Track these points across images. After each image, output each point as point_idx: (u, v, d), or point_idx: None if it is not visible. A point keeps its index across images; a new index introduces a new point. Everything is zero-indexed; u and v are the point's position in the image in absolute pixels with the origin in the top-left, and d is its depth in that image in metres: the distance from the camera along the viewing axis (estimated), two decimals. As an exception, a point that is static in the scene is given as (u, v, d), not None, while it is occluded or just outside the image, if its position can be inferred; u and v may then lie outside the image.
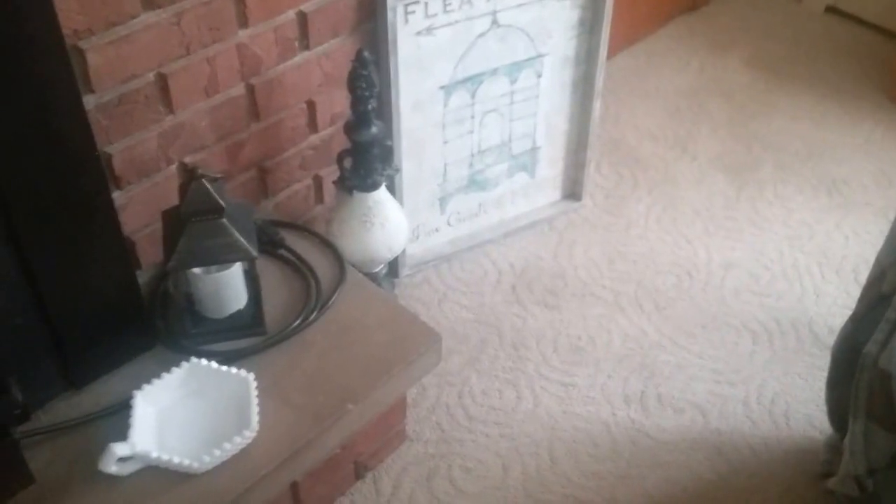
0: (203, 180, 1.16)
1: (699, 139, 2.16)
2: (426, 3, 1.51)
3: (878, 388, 1.16)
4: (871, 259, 1.37)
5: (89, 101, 1.17)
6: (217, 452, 1.12)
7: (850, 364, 1.26)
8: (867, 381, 1.18)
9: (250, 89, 1.38)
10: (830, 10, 2.59)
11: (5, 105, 0.97)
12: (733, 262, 1.85)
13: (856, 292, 1.40)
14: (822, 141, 2.17)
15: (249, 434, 1.15)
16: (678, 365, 1.65)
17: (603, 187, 2.01)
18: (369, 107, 1.39)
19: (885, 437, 1.17)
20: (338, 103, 1.53)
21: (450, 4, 1.54)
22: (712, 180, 2.05)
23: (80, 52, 1.14)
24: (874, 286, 1.28)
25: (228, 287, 1.29)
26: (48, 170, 1.05)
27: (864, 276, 1.39)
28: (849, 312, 1.34)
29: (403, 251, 1.70)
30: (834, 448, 1.42)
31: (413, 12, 1.50)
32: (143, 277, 1.34)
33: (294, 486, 1.31)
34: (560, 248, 1.87)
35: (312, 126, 1.53)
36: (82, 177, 1.09)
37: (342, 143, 1.47)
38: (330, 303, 1.35)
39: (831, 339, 1.42)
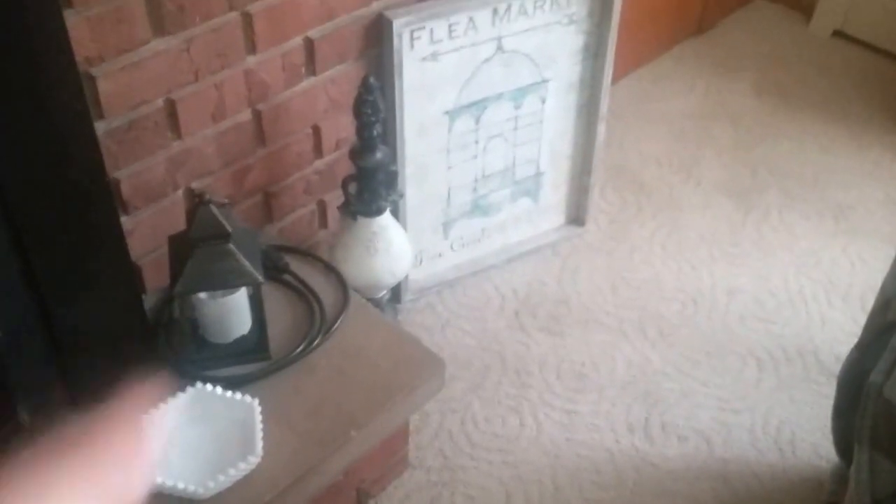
0: (210, 205, 1.17)
1: (704, 164, 2.16)
2: (432, 29, 1.52)
3: (882, 419, 1.16)
4: (878, 286, 1.37)
5: (99, 127, 1.18)
6: (221, 478, 1.12)
7: (856, 393, 1.25)
8: (872, 411, 1.17)
9: (257, 115, 1.39)
10: (837, 34, 2.59)
11: (19, 131, 0.99)
12: (738, 289, 1.85)
13: (862, 320, 1.40)
14: (828, 166, 2.17)
15: (254, 460, 1.15)
16: (682, 392, 1.64)
17: (607, 212, 2.01)
18: (374, 132, 1.40)
19: (890, 468, 1.16)
20: (343, 128, 1.54)
21: (455, 30, 1.55)
22: (717, 205, 2.05)
23: (92, 79, 1.15)
24: (879, 314, 1.28)
25: (233, 312, 1.30)
26: (59, 195, 1.06)
27: (871, 304, 1.38)
28: (855, 340, 1.34)
29: (406, 276, 1.70)
30: (840, 477, 1.41)
31: (419, 38, 1.52)
32: (148, 302, 1.34)
33: (296, 513, 1.30)
34: (564, 274, 1.87)
35: (318, 151, 1.54)
36: (92, 202, 1.10)
37: (347, 167, 1.48)
38: (333, 328, 1.35)
39: (837, 367, 1.41)
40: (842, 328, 1.76)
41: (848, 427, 1.30)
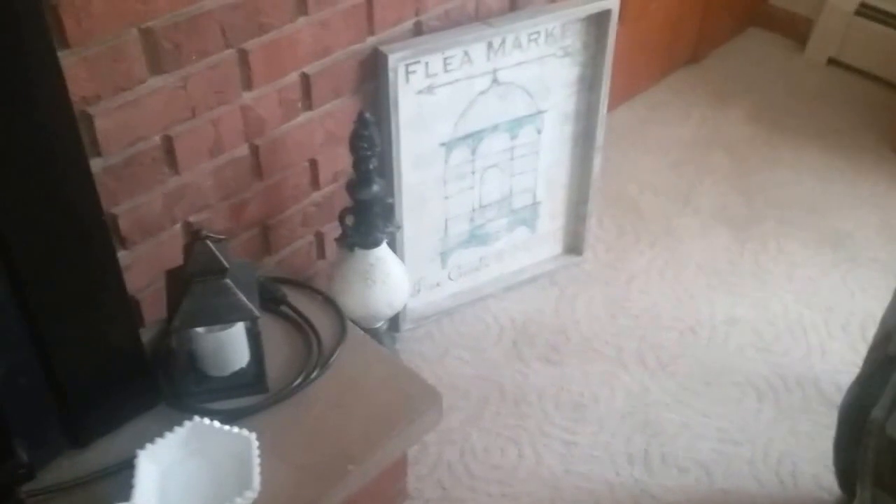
0: (207, 241, 1.18)
1: (701, 192, 2.17)
2: (427, 63, 1.54)
3: (885, 456, 1.14)
4: (878, 315, 1.37)
5: (97, 164, 1.19)
6: (217, 514, 1.12)
7: (858, 426, 1.24)
8: (874, 448, 1.16)
9: (254, 150, 1.40)
10: (832, 62, 2.61)
11: (14, 171, 0.99)
12: (737, 318, 1.85)
13: (863, 349, 1.40)
14: (825, 194, 2.17)
15: (251, 495, 1.15)
16: (682, 423, 1.63)
17: (604, 241, 2.02)
18: (371, 166, 1.41)
19: (892, 504, 1.15)
20: (339, 161, 1.55)
21: (450, 64, 1.57)
22: (715, 234, 2.05)
23: (89, 117, 1.16)
24: (880, 348, 1.27)
25: (231, 345, 1.30)
26: (55, 233, 1.06)
27: (871, 333, 1.38)
28: (856, 370, 1.33)
29: (405, 306, 1.71)
30: (842, 509, 1.40)
31: (414, 72, 1.53)
32: (146, 335, 1.34)
33: (294, 548, 1.29)
34: (561, 303, 1.87)
35: (315, 184, 1.55)
36: (89, 240, 1.10)
37: (344, 199, 1.49)
38: (331, 361, 1.35)
39: (838, 397, 1.41)
40: (842, 358, 1.76)
41: (850, 461, 1.29)
